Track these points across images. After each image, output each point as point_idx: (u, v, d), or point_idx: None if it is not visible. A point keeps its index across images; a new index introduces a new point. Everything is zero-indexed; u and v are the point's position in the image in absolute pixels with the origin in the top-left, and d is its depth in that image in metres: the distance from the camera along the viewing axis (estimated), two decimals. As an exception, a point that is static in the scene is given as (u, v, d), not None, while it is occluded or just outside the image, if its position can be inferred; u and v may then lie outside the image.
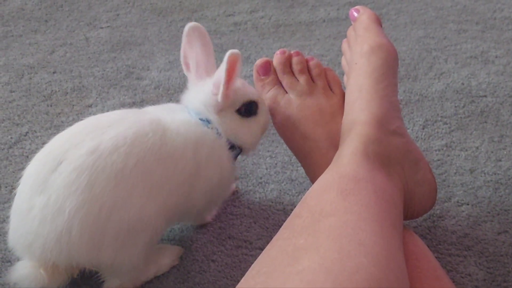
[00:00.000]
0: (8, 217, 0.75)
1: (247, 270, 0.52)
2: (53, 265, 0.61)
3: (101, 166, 0.60)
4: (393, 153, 0.64)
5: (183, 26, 1.21)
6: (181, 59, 0.72)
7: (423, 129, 0.93)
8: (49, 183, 0.60)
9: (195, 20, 1.24)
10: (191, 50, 0.71)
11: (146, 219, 0.63)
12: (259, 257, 0.53)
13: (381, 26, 0.72)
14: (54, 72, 1.07)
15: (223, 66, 0.66)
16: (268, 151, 0.89)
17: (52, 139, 0.65)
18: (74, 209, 0.59)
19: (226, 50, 1.12)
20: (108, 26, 1.21)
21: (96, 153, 0.61)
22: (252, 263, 0.52)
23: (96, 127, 0.64)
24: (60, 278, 0.62)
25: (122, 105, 0.98)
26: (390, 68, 0.69)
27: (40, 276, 0.61)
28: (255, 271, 0.51)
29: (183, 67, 0.72)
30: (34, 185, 0.61)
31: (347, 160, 0.61)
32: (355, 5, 1.27)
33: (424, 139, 0.90)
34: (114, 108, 0.97)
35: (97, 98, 1.00)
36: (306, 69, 0.76)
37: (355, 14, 0.73)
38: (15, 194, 0.64)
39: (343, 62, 0.75)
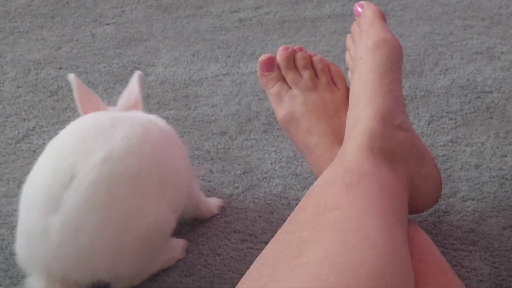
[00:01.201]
0: (15, 211, 0.76)
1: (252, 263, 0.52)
2: (69, 280, 0.60)
3: (117, 174, 0.58)
4: (398, 148, 0.64)
5: (189, 23, 1.22)
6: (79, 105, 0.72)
7: (429, 124, 0.93)
8: (63, 202, 0.57)
9: (200, 17, 1.24)
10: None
11: (162, 219, 0.62)
12: (264, 250, 0.53)
13: (386, 21, 0.72)
14: (60, 68, 1.08)
15: (137, 89, 0.71)
16: (273, 146, 0.89)
17: (49, 149, 0.62)
18: (95, 226, 0.57)
19: (231, 47, 1.13)
20: (114, 23, 1.22)
21: (110, 160, 0.58)
22: (257, 256, 0.52)
23: (99, 130, 0.61)
24: None
25: (128, 101, 0.99)
26: (394, 63, 0.69)
27: None
28: (260, 264, 0.51)
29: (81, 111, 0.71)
30: (46, 204, 0.58)
31: (352, 155, 0.61)
32: (360, 1, 1.27)
33: (430, 135, 0.91)
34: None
35: (103, 93, 1.00)
36: (310, 64, 0.76)
37: (359, 9, 0.73)
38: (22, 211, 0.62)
39: (347, 57, 0.75)
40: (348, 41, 0.75)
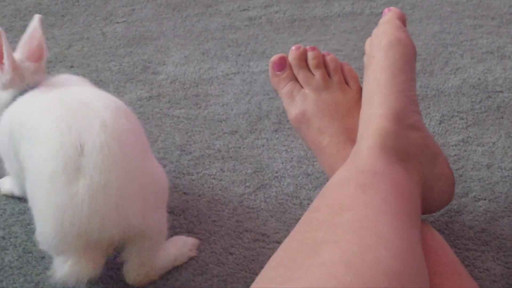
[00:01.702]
0: (27, 209, 0.76)
1: (265, 263, 0.53)
2: (92, 250, 0.62)
3: (119, 133, 0.63)
4: (411, 147, 0.64)
5: (198, 21, 1.22)
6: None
7: (440, 124, 0.93)
8: (83, 167, 0.60)
9: (209, 15, 1.24)
10: None
11: (163, 174, 0.68)
12: (278, 250, 0.53)
13: (405, 24, 0.72)
14: (71, 67, 1.08)
15: (39, 32, 0.74)
16: (283, 145, 0.89)
17: (41, 136, 0.64)
18: (119, 176, 0.61)
19: (241, 45, 1.13)
20: (124, 21, 1.22)
21: (107, 125, 0.62)
22: (270, 256, 0.52)
23: (79, 109, 0.64)
24: (101, 260, 0.63)
25: (139, 99, 0.99)
26: (408, 62, 0.69)
27: (85, 265, 0.62)
28: (275, 263, 0.51)
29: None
30: (66, 176, 0.60)
31: (365, 155, 0.61)
32: (369, 0, 1.27)
33: (441, 134, 0.90)
34: (131, 103, 0.98)
35: (114, 92, 1.00)
36: (322, 64, 0.76)
37: (386, 12, 0.73)
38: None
39: (365, 59, 0.75)
40: (367, 43, 0.75)
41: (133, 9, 1.26)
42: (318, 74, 0.75)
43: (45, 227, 0.62)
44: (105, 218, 0.60)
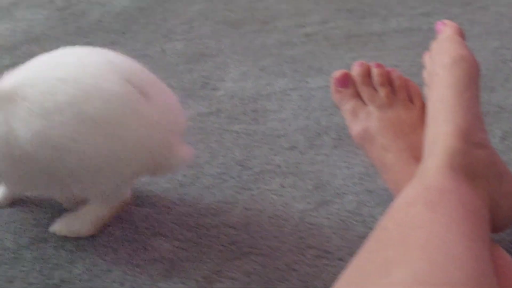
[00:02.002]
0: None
1: (329, 281, 0.53)
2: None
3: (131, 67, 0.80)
4: (478, 166, 0.63)
5: (256, 38, 1.24)
6: None
7: (503, 141, 0.91)
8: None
9: (266, 32, 1.26)
10: None
11: None
12: (347, 269, 0.53)
13: (464, 39, 0.72)
14: (133, 83, 1.11)
15: None
16: (344, 161, 0.89)
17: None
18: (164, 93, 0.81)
19: (298, 62, 1.14)
20: (183, 38, 1.25)
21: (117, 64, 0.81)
22: (333, 273, 0.53)
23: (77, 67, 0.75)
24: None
25: (199, 115, 1.01)
26: (472, 79, 0.69)
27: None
28: (346, 283, 0.51)
29: None
30: (131, 106, 0.73)
31: (433, 172, 0.61)
32: (427, 16, 1.26)
33: (504, 152, 0.89)
34: (192, 118, 0.99)
35: (175, 108, 1.03)
36: (387, 81, 0.76)
37: (441, 27, 0.73)
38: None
39: (425, 74, 0.75)
40: (426, 57, 0.75)
41: (192, 27, 1.29)
42: (382, 91, 0.75)
43: (133, 152, 0.72)
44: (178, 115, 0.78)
